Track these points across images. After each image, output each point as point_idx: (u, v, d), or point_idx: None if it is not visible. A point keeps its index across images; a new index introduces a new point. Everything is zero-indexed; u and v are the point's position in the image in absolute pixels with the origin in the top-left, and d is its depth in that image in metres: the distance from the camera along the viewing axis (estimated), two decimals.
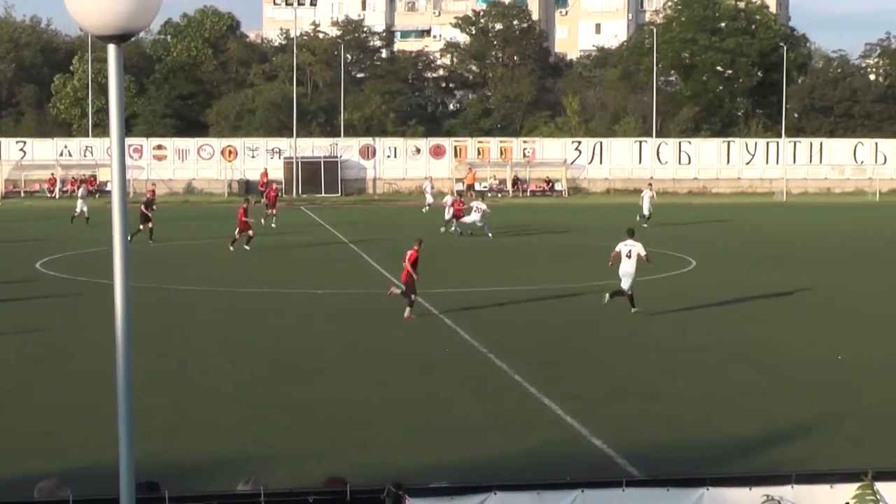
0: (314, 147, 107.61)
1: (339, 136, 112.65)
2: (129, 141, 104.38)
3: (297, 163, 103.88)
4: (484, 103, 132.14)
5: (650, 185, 73.63)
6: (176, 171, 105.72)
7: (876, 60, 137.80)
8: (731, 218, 73.97)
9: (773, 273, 45.12)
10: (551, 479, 12.03)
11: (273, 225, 63.21)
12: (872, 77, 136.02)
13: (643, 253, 34.50)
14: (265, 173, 78.74)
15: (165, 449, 19.24)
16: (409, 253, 34.73)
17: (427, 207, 65.32)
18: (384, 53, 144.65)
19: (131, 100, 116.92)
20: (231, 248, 51.70)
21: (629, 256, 34.58)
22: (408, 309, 33.73)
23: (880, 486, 9.76)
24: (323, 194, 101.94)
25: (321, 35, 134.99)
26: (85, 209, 65.79)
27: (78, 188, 73.12)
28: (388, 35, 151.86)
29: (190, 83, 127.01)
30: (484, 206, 58.51)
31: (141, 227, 54.43)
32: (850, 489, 10.09)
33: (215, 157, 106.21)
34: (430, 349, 29.04)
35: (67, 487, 10.57)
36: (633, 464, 18.63)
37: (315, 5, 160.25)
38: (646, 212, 65.14)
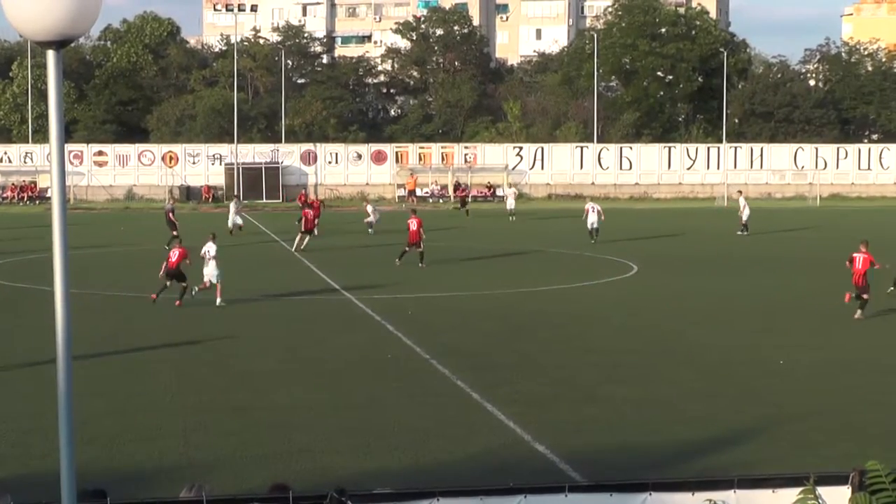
0: (255, 153, 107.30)
1: (280, 141, 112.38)
2: (69, 147, 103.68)
3: (239, 169, 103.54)
4: (425, 109, 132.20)
5: (740, 191, 73.28)
6: (116, 177, 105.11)
7: (815, 66, 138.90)
8: (672, 223, 74.36)
9: (714, 278, 45.40)
10: (494, 485, 12.04)
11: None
12: (812, 82, 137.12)
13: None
14: (302, 194, 76.88)
15: (108, 455, 19.12)
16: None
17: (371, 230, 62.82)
18: (325, 59, 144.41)
19: (71, 106, 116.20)
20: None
21: None
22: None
23: (822, 491, 9.81)
24: (264, 200, 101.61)
25: (262, 41, 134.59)
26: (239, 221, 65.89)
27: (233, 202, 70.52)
28: (329, 41, 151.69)
29: (130, 89, 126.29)
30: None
31: (175, 233, 55.09)
32: (792, 493, 10.13)
33: (156, 163, 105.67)
34: (372, 354, 28.99)
35: (7, 495, 10.48)
36: (575, 469, 18.66)
37: (255, 11, 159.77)
38: (744, 219, 65.13)
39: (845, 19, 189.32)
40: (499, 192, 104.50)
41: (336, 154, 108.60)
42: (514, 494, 11.28)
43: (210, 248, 37.86)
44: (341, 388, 25.08)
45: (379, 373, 26.72)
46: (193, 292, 36.93)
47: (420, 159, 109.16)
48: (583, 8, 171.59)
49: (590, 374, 26.64)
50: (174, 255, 37.29)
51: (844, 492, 11.03)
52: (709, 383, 25.75)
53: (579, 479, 17.36)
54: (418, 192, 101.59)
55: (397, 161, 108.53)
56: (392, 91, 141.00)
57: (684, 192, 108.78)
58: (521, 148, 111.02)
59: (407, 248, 48.81)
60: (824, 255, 53.77)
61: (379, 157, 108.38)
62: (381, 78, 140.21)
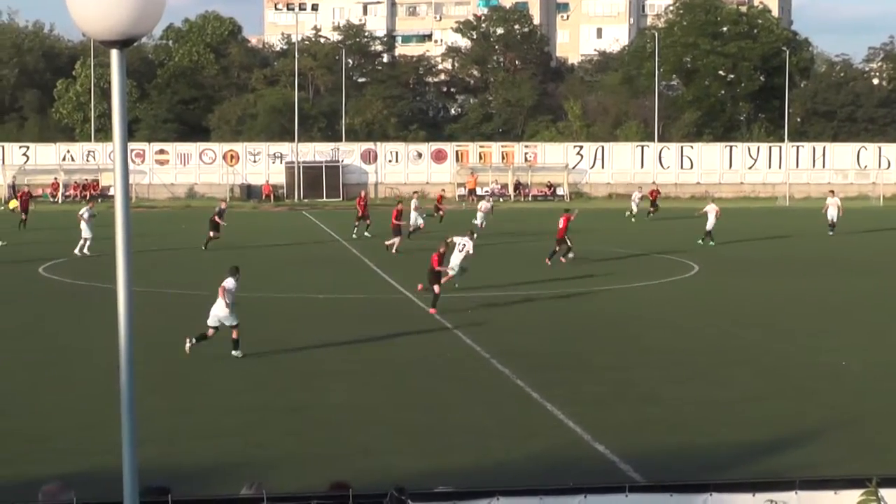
0: (315, 152, 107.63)
1: (340, 140, 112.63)
2: (131, 146, 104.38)
3: (299, 167, 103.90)
4: (485, 108, 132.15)
5: (832, 192, 72.85)
6: (178, 175, 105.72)
7: (879, 64, 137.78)
8: (733, 223, 73.88)
9: (775, 279, 45.11)
10: (554, 484, 12.01)
11: (366, 233, 62.47)
12: (875, 81, 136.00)
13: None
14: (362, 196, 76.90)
15: (168, 453, 19.24)
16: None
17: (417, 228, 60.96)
18: (385, 58, 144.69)
19: (133, 104, 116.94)
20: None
21: None
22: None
23: (885, 493, 9.74)
24: (325, 199, 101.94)
25: (322, 40, 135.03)
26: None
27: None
28: (390, 39, 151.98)
29: (192, 88, 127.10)
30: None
31: (211, 234, 55.56)
32: (854, 495, 10.08)
33: (217, 161, 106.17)
34: (432, 354, 29.01)
35: (71, 491, 10.56)
36: (636, 469, 18.62)
37: (316, 10, 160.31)
38: (835, 219, 64.79)
39: None
40: (560, 192, 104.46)
41: (396, 153, 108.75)
42: (574, 494, 11.26)
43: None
44: (401, 388, 25.12)
45: (439, 372, 26.74)
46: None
47: (480, 158, 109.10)
48: (644, 6, 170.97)
49: (649, 375, 26.55)
50: None
51: None
52: (768, 385, 25.60)
53: (639, 480, 17.32)
54: (478, 192, 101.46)
55: (457, 160, 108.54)
56: (452, 90, 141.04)
57: (745, 191, 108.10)
58: (581, 147, 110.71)
59: (556, 248, 49.11)
60: (889, 258, 53.36)
61: (439, 156, 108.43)
62: (441, 77, 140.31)
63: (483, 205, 66.03)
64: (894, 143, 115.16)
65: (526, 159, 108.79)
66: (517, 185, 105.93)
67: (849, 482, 11.22)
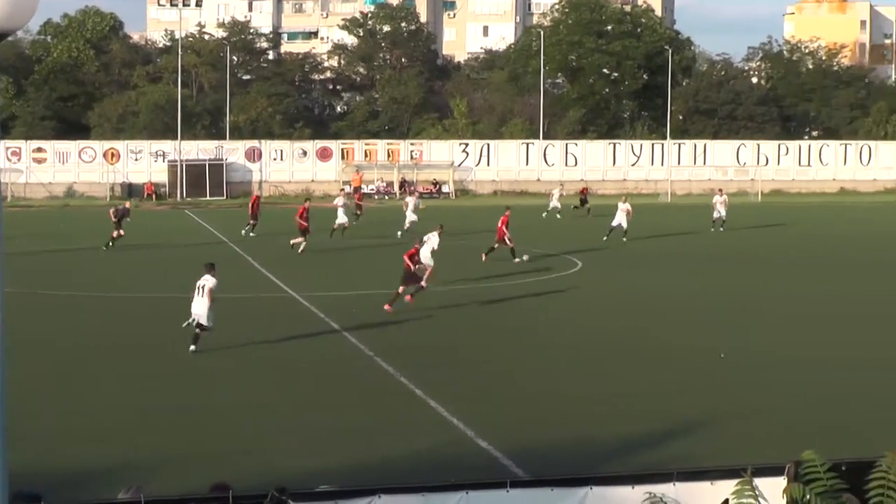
0: (199, 150, 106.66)
1: (224, 138, 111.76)
2: (7, 143, 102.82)
3: (182, 166, 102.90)
4: (371, 105, 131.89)
5: (720, 190, 72.87)
6: (56, 174, 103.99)
7: (758, 64, 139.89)
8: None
9: (658, 274, 45.56)
10: (436, 482, 12.04)
11: (251, 234, 61.79)
12: (755, 80, 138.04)
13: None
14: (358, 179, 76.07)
15: (46, 457, 18.96)
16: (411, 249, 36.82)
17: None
18: (271, 55, 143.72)
19: (9, 101, 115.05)
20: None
21: None
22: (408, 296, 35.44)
23: (759, 482, 9.88)
24: (208, 198, 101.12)
25: (206, 36, 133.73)
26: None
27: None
28: (275, 37, 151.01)
29: (71, 84, 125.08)
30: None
31: (115, 233, 54.42)
32: (730, 485, 10.21)
33: (97, 160, 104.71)
34: (316, 353, 28.92)
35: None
36: (519, 464, 18.70)
37: (200, 6, 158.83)
38: (723, 216, 64.94)
39: (787, 18, 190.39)
40: (445, 189, 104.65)
41: (281, 151, 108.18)
42: (456, 491, 11.30)
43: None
44: (285, 387, 25.03)
45: (323, 371, 26.67)
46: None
47: (366, 156, 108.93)
48: (530, 5, 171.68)
49: (533, 371, 26.70)
50: None
51: (781, 483, 11.10)
52: (650, 378, 25.87)
53: (522, 475, 17.40)
54: (364, 189, 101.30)
55: (343, 158, 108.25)
56: (338, 88, 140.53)
57: (629, 188, 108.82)
58: (467, 144, 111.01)
59: (494, 246, 49.09)
60: (766, 252, 54.16)
61: (324, 154, 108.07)
62: (328, 74, 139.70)
63: (410, 200, 64.66)
64: (773, 140, 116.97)
65: (412, 157, 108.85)
66: (403, 183, 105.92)
67: (725, 473, 11.39)
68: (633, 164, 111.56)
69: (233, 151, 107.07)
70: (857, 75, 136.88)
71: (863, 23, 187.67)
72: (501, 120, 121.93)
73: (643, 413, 22.37)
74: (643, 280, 43.59)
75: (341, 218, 59.93)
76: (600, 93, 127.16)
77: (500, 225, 48.91)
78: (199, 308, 28.79)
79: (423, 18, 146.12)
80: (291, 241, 53.44)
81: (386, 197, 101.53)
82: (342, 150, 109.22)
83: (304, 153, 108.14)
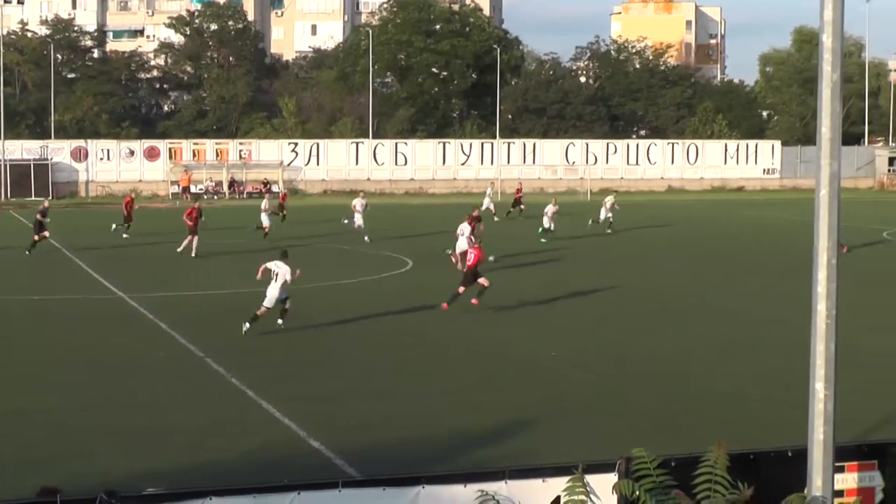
0: (23, 149, 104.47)
1: (49, 138, 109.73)
2: None
3: (5, 166, 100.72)
4: (199, 104, 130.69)
5: (614, 193, 72.94)
6: None
7: (586, 63, 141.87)
8: (446, 218, 74.86)
9: (489, 272, 45.80)
10: (268, 483, 11.94)
11: (125, 234, 60.12)
12: (583, 79, 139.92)
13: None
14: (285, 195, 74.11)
15: None
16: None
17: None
18: (96, 53, 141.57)
19: None
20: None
21: None
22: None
23: (591, 478, 9.97)
24: (34, 198, 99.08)
25: (30, 34, 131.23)
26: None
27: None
28: (100, 35, 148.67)
29: None
30: None
31: (36, 237, 52.72)
32: (562, 482, 10.29)
33: None
34: (147, 354, 28.53)
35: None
36: (352, 464, 18.63)
37: (22, 3, 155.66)
38: (610, 218, 64.58)
39: (614, 18, 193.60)
40: (275, 189, 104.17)
41: (108, 150, 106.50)
42: (288, 491, 11.24)
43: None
44: (116, 389, 24.62)
45: (153, 372, 26.31)
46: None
47: (194, 155, 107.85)
48: (358, 4, 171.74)
49: (368, 369, 26.67)
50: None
51: (612, 479, 11.23)
52: (485, 376, 26.00)
53: (354, 475, 17.34)
54: (192, 189, 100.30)
55: (171, 157, 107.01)
56: (165, 86, 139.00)
57: (458, 187, 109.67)
58: (296, 144, 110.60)
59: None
60: (591, 250, 54.83)
61: (152, 154, 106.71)
62: (155, 73, 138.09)
63: (358, 202, 62.83)
64: (601, 139, 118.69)
65: (241, 156, 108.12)
66: (232, 183, 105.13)
67: (556, 470, 11.48)
68: (462, 164, 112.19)
69: (58, 151, 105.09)
70: (683, 75, 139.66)
71: (688, 23, 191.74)
72: (331, 119, 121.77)
73: (476, 411, 22.46)
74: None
75: (265, 221, 59.42)
76: (429, 92, 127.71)
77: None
78: (271, 291, 31.14)
79: (250, 17, 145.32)
80: (178, 249, 51.61)
81: (215, 197, 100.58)
82: (170, 149, 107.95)
83: (132, 153, 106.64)
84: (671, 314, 35.38)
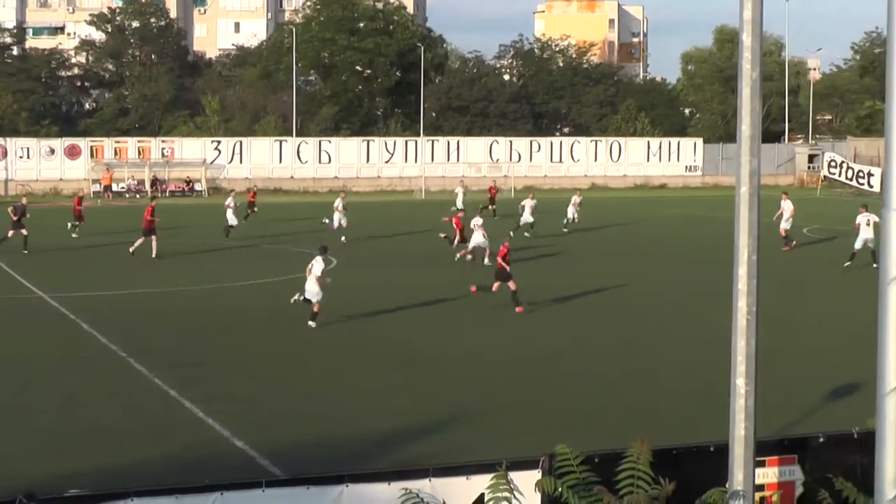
0: None
1: None
2: None
3: None
4: (121, 103, 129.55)
5: (578, 191, 72.49)
6: None
7: (510, 61, 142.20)
8: (371, 216, 74.85)
9: (412, 271, 45.83)
10: (190, 483, 11.86)
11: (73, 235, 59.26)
12: (507, 77, 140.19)
13: None
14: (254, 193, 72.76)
15: None
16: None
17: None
18: (15, 51, 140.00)
19: None
20: None
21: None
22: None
23: (515, 475, 10.00)
24: None
25: None
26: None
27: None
28: (20, 32, 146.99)
29: None
30: None
31: (11, 233, 51.97)
32: (485, 479, 10.32)
33: None
34: (67, 354, 28.27)
35: None
36: (276, 464, 18.58)
37: None
38: (574, 217, 64.19)
39: (538, 16, 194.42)
40: (198, 187, 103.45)
41: (28, 149, 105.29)
42: (211, 492, 11.18)
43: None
44: (36, 389, 24.39)
45: (74, 373, 26.09)
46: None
47: (116, 154, 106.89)
48: (281, 2, 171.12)
49: (294, 368, 26.60)
50: None
51: (536, 476, 11.26)
52: (411, 375, 26.02)
53: (279, 474, 17.28)
54: (114, 188, 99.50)
55: (92, 156, 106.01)
56: (87, 84, 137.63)
57: (383, 185, 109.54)
58: (219, 142, 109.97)
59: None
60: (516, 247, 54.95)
61: (73, 152, 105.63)
62: (76, 71, 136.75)
63: (339, 202, 61.70)
64: (525, 137, 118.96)
65: (163, 154, 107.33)
66: (154, 181, 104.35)
67: (480, 467, 11.51)
68: (386, 162, 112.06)
69: None
70: (606, 73, 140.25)
71: (611, 21, 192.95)
72: (254, 117, 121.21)
73: (400, 410, 22.47)
74: (399, 277, 43.79)
75: (231, 219, 58.68)
76: (353, 90, 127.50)
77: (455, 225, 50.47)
78: (308, 285, 32.39)
79: (172, 14, 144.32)
80: (131, 248, 50.14)
81: (137, 195, 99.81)
82: (91, 147, 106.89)
83: (52, 151, 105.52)
84: (603, 313, 35.52)
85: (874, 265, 45.37)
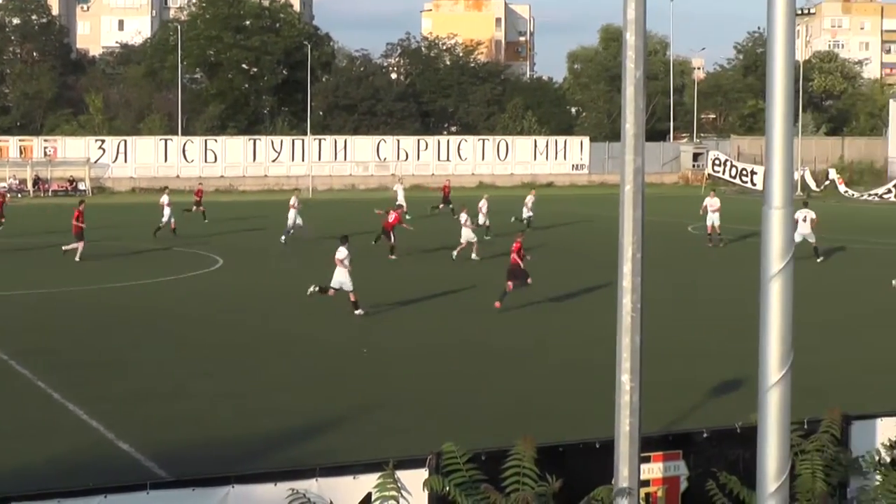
0: None
1: None
2: None
3: None
4: (2, 101, 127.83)
5: (533, 190, 71.76)
6: None
7: (397, 60, 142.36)
8: (257, 215, 74.52)
9: (297, 268, 45.66)
10: (73, 486, 11.71)
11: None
12: (394, 76, 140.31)
13: None
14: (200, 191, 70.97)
15: None
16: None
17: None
18: None
19: None
20: None
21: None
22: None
23: (402, 474, 9.99)
24: None
25: None
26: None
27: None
28: None
29: None
30: None
31: None
32: (372, 479, 10.30)
33: None
34: None
35: None
36: (161, 466, 18.39)
37: None
38: (531, 216, 63.43)
39: (425, 15, 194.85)
40: (82, 186, 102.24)
41: None
42: (94, 495, 11.05)
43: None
44: None
45: None
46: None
47: None
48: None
49: (177, 370, 26.34)
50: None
51: (423, 474, 11.26)
52: (299, 373, 25.90)
53: (163, 476, 17.11)
54: None
55: None
56: None
57: (269, 184, 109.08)
58: (103, 141, 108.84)
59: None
60: (410, 247, 55.01)
61: None
62: None
63: (294, 199, 60.43)
64: (412, 135, 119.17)
65: (45, 154, 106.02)
66: (36, 181, 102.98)
67: (366, 466, 11.50)
68: (273, 160, 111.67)
69: None
70: (493, 71, 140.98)
71: (498, 20, 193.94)
72: (139, 116, 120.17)
73: (290, 409, 22.37)
74: (283, 276, 43.60)
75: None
76: (240, 88, 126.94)
77: (391, 220, 50.60)
78: (337, 275, 33.37)
79: (55, 11, 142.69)
80: (64, 248, 49.03)
81: (19, 195, 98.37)
82: None
83: None
84: (506, 311, 35.64)
85: (818, 259, 47.24)
